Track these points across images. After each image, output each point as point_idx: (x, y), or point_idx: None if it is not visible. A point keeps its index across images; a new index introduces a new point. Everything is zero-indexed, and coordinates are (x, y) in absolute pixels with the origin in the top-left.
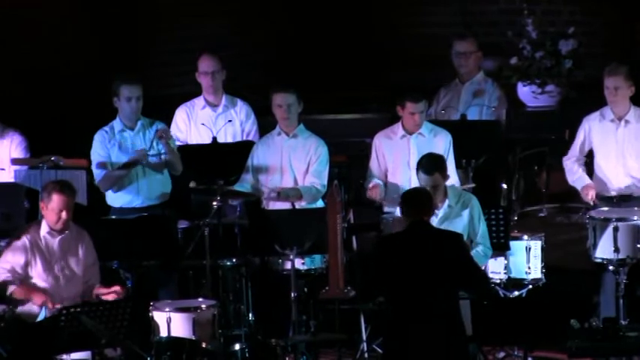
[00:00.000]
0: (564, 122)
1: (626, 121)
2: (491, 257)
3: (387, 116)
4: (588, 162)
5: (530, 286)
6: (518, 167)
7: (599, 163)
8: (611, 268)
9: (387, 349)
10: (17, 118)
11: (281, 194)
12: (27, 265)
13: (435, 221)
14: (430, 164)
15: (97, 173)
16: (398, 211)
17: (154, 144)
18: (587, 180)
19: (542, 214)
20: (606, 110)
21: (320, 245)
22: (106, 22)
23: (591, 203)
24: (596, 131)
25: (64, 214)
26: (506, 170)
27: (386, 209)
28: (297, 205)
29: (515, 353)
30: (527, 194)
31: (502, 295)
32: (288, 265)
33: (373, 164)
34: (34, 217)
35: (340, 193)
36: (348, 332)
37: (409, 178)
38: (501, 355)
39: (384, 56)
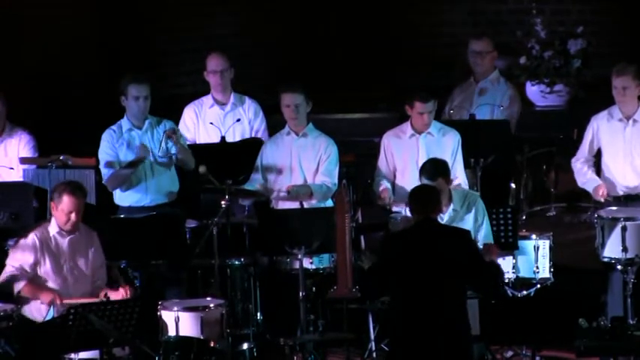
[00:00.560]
0: (573, 122)
1: (634, 121)
2: (500, 257)
3: (396, 116)
4: (596, 161)
5: (539, 286)
6: (527, 167)
7: (607, 162)
8: (619, 267)
9: (393, 346)
10: (26, 117)
11: (291, 192)
12: (36, 264)
13: None
14: (433, 170)
15: (105, 172)
16: (406, 211)
17: (163, 143)
18: (597, 181)
19: (550, 214)
20: (614, 109)
21: (328, 245)
22: (115, 21)
23: (602, 200)
24: (604, 130)
25: (73, 216)
26: (515, 170)
27: (394, 209)
28: (306, 205)
29: (524, 352)
30: (535, 194)
31: (510, 295)
32: (297, 265)
33: (382, 163)
34: (42, 217)
35: (348, 193)
36: (356, 332)
37: (418, 178)
38: (509, 354)
39: (393, 56)
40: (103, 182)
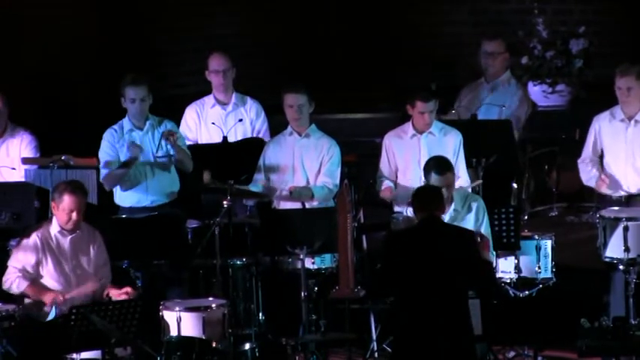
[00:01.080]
0: (575, 122)
1: (636, 121)
2: (502, 257)
3: (398, 115)
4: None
5: (541, 286)
6: (529, 167)
7: (609, 163)
8: (621, 267)
9: (396, 346)
10: (28, 117)
11: (293, 193)
12: (38, 264)
13: None
14: (441, 165)
15: (103, 172)
16: (408, 211)
17: (162, 144)
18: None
19: (552, 214)
20: (616, 110)
21: (330, 245)
22: (117, 21)
23: (605, 187)
24: (605, 131)
25: (74, 215)
26: (517, 170)
27: (396, 209)
28: (308, 205)
29: (526, 352)
30: (537, 194)
31: (512, 295)
32: (299, 265)
33: (383, 164)
34: (44, 217)
35: (350, 193)
36: (358, 332)
37: (419, 177)
38: (511, 354)
39: (394, 56)
40: (100, 181)
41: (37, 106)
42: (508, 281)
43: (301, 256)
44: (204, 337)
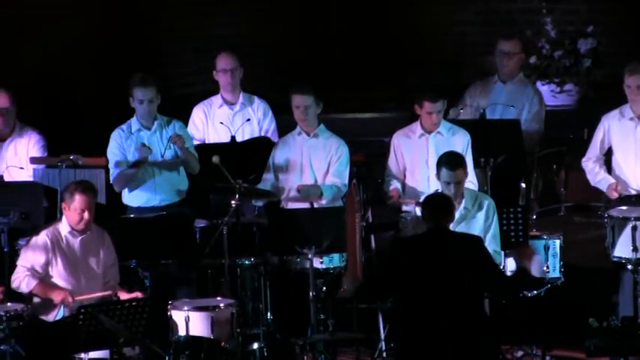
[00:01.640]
0: (583, 121)
1: None
2: (510, 256)
3: (406, 115)
4: (606, 160)
5: (549, 285)
6: (537, 166)
7: (618, 161)
8: (629, 267)
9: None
10: (36, 116)
11: (301, 191)
12: (47, 264)
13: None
14: (453, 160)
15: (112, 172)
16: (416, 211)
17: (170, 145)
18: (610, 179)
19: (560, 213)
20: (625, 108)
21: (338, 244)
22: (125, 20)
23: (617, 196)
24: (615, 130)
25: (86, 215)
26: (525, 169)
27: (404, 208)
28: (316, 204)
29: (534, 352)
30: (545, 193)
31: (520, 294)
32: (307, 264)
33: (391, 163)
34: (52, 217)
35: (359, 192)
36: (367, 331)
37: (427, 177)
38: (520, 353)
39: (402, 55)
40: (110, 182)
41: (40, 106)
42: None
43: (309, 256)
44: (212, 337)
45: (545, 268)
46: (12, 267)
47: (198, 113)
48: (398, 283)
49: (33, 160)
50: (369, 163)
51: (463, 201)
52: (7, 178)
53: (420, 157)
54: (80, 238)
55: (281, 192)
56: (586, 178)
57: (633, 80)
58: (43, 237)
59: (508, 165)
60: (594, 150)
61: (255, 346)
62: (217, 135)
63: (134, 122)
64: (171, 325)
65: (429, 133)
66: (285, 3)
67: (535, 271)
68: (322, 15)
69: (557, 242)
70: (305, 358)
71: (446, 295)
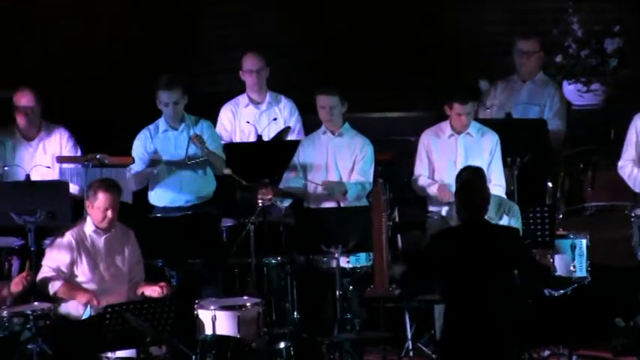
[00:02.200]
0: (609, 121)
1: None
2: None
3: (434, 114)
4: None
5: (576, 285)
6: (564, 166)
7: None
8: None
9: (444, 345)
10: (63, 116)
11: (326, 187)
12: (72, 263)
13: None
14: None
15: (131, 171)
16: (443, 210)
17: (189, 148)
18: None
19: (587, 213)
20: None
21: (365, 243)
22: (153, 19)
23: None
24: None
25: (109, 213)
26: (552, 168)
27: (431, 208)
28: (342, 203)
29: (561, 351)
30: (572, 193)
31: (547, 294)
32: (333, 264)
33: (420, 161)
34: (79, 215)
35: (385, 192)
36: (393, 331)
37: (455, 179)
38: (546, 353)
39: (430, 54)
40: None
41: (68, 105)
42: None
43: (336, 255)
44: (239, 336)
45: (571, 268)
46: (38, 266)
47: (226, 113)
48: (438, 277)
49: (60, 160)
50: (396, 163)
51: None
52: (34, 178)
53: (448, 157)
54: (104, 236)
55: (306, 192)
56: (613, 177)
57: None
58: (67, 237)
59: (534, 164)
60: (630, 153)
61: (282, 345)
62: (244, 134)
63: (162, 122)
64: (198, 325)
65: (459, 133)
66: (312, 2)
67: (561, 270)
68: (350, 14)
69: (584, 242)
70: (331, 357)
71: (483, 288)
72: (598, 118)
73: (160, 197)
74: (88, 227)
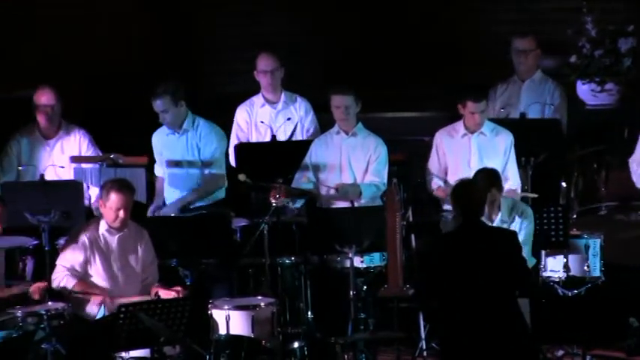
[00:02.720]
0: (623, 120)
1: None
2: (551, 255)
3: (447, 115)
4: None
5: (590, 285)
6: (578, 165)
7: None
8: None
9: (444, 348)
10: (78, 115)
11: (340, 191)
12: (86, 263)
13: None
14: (486, 181)
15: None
16: None
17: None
18: None
19: (601, 212)
20: None
21: (379, 243)
22: (166, 19)
23: None
24: None
25: (121, 213)
26: (566, 168)
27: (445, 207)
28: (356, 204)
29: (574, 351)
30: (586, 192)
31: (561, 294)
32: (347, 263)
33: (433, 161)
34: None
35: (399, 192)
36: (407, 330)
37: (469, 177)
38: (560, 353)
39: (442, 54)
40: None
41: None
42: (557, 280)
43: (350, 255)
44: (253, 336)
45: (585, 268)
46: (53, 266)
47: (241, 114)
48: (441, 282)
49: (74, 159)
50: (410, 163)
51: (500, 214)
52: (48, 177)
53: (462, 157)
54: (118, 236)
55: (319, 191)
56: (627, 177)
57: None
58: (81, 236)
59: (548, 164)
60: None
61: (296, 345)
62: (259, 134)
63: (165, 126)
64: (212, 324)
65: (472, 133)
66: (325, 3)
67: (575, 270)
68: (363, 14)
69: (598, 241)
70: (345, 357)
71: (481, 291)
72: (612, 117)
73: (172, 199)
74: (102, 226)
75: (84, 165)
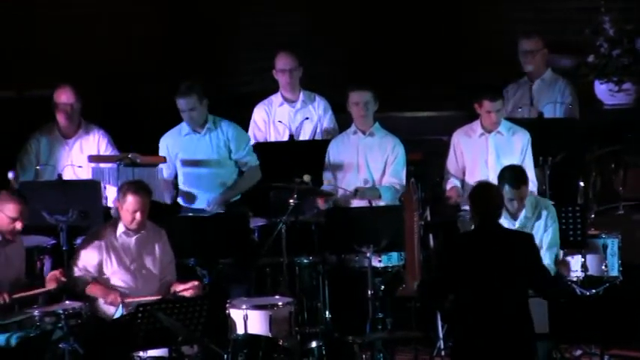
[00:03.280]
0: None
1: None
2: (569, 255)
3: (464, 114)
4: None
5: (607, 284)
6: (595, 165)
7: None
8: None
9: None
10: (96, 115)
11: (359, 194)
12: (100, 264)
13: None
14: (516, 178)
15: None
16: None
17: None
18: None
19: (619, 212)
20: None
21: (397, 243)
22: (185, 18)
23: None
24: None
25: (138, 215)
26: (583, 168)
27: (463, 207)
28: (374, 203)
29: (592, 351)
30: (603, 192)
31: (579, 293)
32: (365, 263)
33: (451, 161)
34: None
35: (417, 191)
36: (425, 330)
37: (487, 177)
38: (578, 352)
39: (459, 54)
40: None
41: (100, 104)
42: (575, 280)
43: (368, 255)
44: (270, 335)
45: (603, 267)
46: (70, 265)
47: (259, 113)
48: (453, 283)
49: (92, 159)
50: (427, 162)
51: (524, 210)
52: (66, 177)
53: (479, 156)
54: (135, 237)
55: (337, 191)
56: None
57: None
58: (97, 237)
59: (566, 164)
60: None
61: (314, 344)
62: (279, 134)
63: (184, 126)
64: (230, 324)
65: (489, 132)
66: (346, 3)
67: (593, 270)
68: (381, 14)
69: (616, 241)
70: (363, 356)
71: (496, 293)
72: (630, 117)
73: (193, 199)
74: (119, 227)
75: (102, 164)
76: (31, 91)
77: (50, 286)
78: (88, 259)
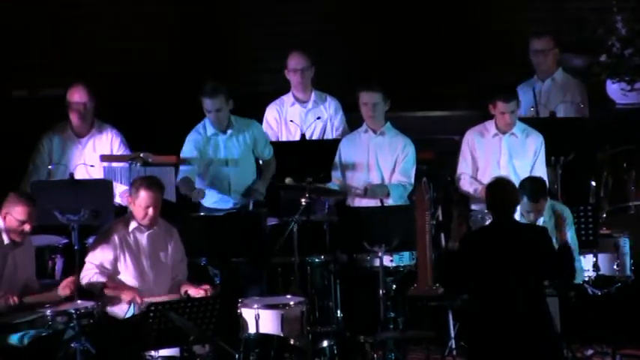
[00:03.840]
0: None
1: None
2: (581, 255)
3: (477, 114)
4: None
5: (619, 284)
6: (607, 165)
7: None
8: None
9: (472, 344)
10: (108, 114)
11: (368, 192)
12: (116, 260)
13: None
14: (535, 191)
15: (180, 172)
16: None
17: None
18: None
19: (631, 212)
20: None
21: (408, 242)
22: (198, 18)
23: None
24: None
25: (150, 211)
26: (595, 168)
27: (473, 207)
28: (386, 203)
29: (604, 350)
30: (615, 191)
31: (591, 293)
32: (377, 262)
33: (463, 159)
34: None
35: (429, 190)
36: (437, 329)
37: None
38: (590, 352)
39: (473, 53)
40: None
41: (112, 103)
42: (587, 279)
43: (379, 254)
44: (282, 335)
45: (615, 267)
46: (82, 264)
47: (271, 112)
48: (470, 276)
49: (104, 158)
50: (439, 161)
51: (542, 215)
52: (78, 176)
53: (492, 157)
54: (147, 233)
55: (348, 190)
56: None
57: None
58: (111, 234)
59: (578, 163)
60: None
61: (325, 343)
62: (290, 133)
63: (209, 126)
64: (242, 323)
65: (503, 133)
66: (357, 1)
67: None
68: (394, 13)
69: (628, 240)
70: (375, 355)
71: (512, 288)
72: None
73: (206, 198)
74: (132, 224)
75: (114, 164)
76: (43, 91)
77: (64, 293)
78: (104, 256)
